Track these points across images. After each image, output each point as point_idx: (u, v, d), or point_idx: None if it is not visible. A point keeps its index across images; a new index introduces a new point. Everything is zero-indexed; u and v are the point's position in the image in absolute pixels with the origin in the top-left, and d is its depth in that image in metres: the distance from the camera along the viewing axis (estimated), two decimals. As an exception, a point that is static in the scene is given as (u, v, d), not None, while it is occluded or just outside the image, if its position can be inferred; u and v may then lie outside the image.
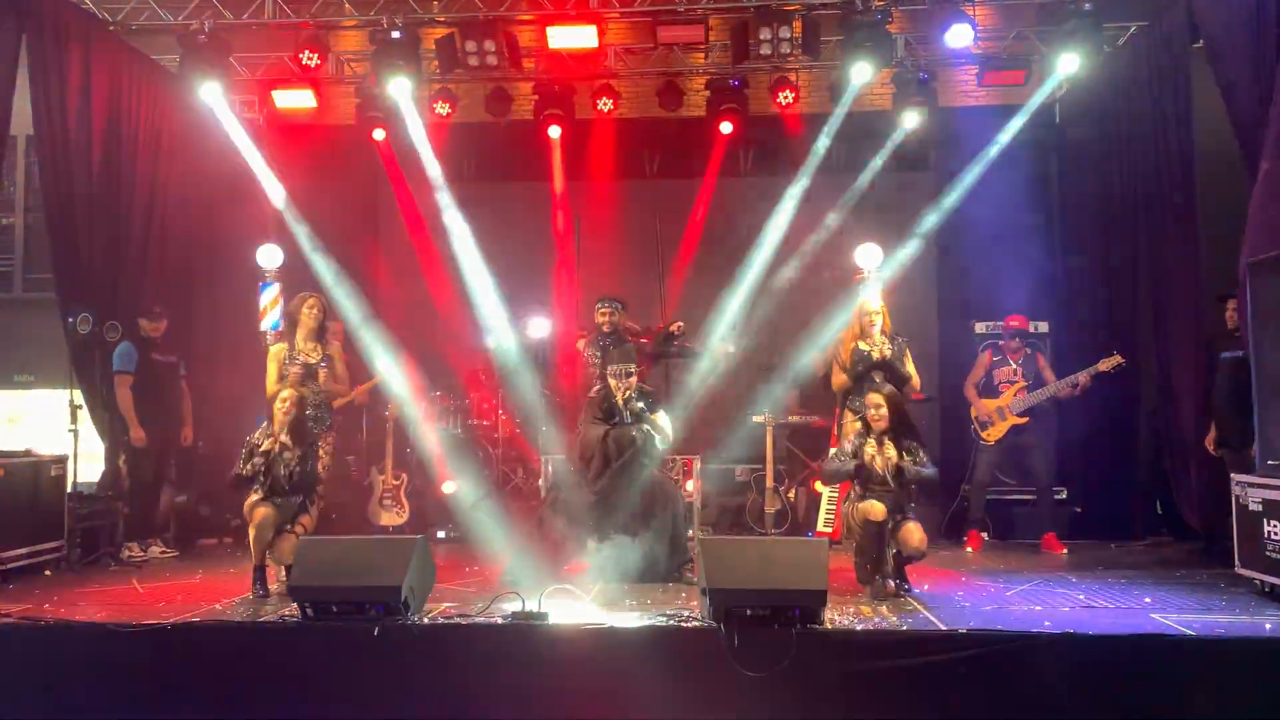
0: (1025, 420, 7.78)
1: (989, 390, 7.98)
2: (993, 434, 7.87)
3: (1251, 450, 6.02)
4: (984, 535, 7.88)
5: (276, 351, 6.98)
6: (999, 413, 7.85)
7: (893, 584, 5.76)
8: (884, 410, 5.91)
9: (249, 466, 5.96)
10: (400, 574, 4.89)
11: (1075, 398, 7.78)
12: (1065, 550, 7.47)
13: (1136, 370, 8.07)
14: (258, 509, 5.90)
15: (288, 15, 8.77)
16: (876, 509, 5.74)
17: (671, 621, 4.94)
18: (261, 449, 5.98)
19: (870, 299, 7.00)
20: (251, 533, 5.89)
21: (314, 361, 6.97)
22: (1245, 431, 6.11)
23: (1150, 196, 7.70)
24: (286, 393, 6.17)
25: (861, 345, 6.85)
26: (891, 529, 5.78)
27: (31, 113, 7.39)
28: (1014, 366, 7.92)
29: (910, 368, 6.89)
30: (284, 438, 6.04)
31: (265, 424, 6.13)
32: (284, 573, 5.92)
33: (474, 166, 10.34)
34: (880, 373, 6.64)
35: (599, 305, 7.56)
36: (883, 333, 6.88)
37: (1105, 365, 7.62)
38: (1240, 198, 6.35)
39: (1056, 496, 8.46)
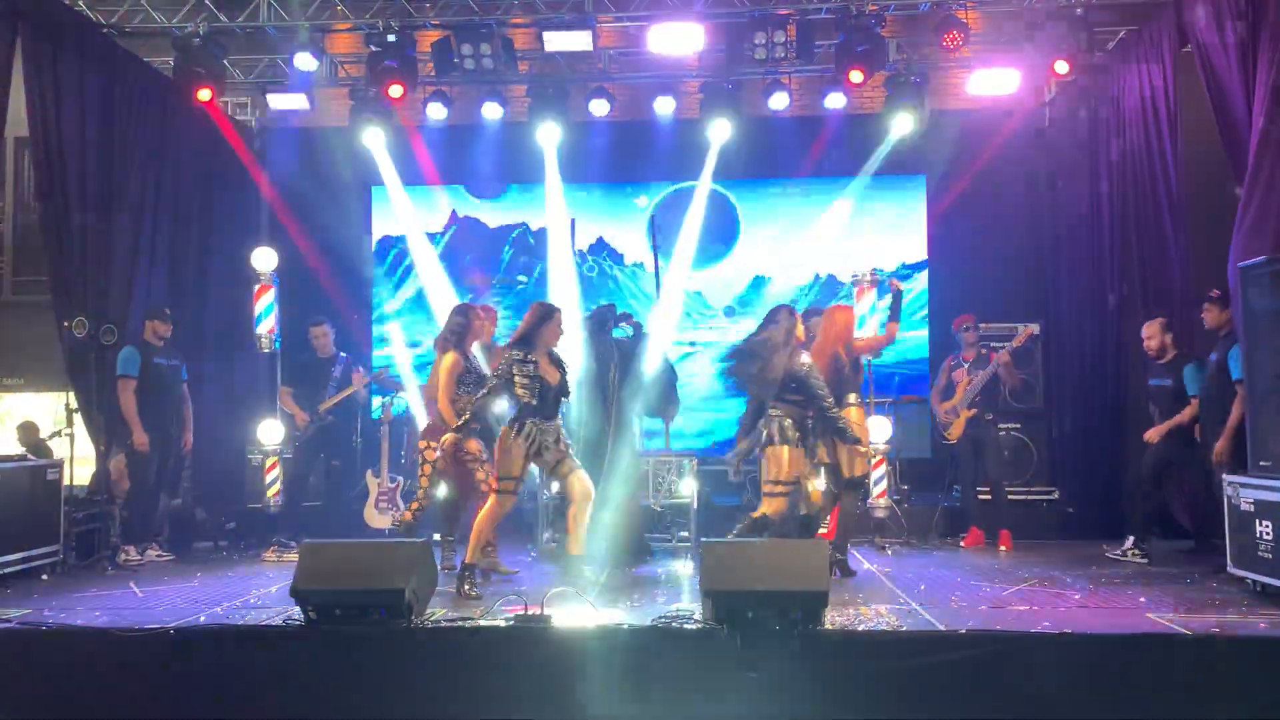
0: (974, 412, 7.87)
1: (950, 393, 8.10)
2: (953, 432, 7.99)
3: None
4: (982, 532, 7.90)
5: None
6: (953, 410, 7.99)
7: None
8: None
9: None
10: (403, 577, 4.91)
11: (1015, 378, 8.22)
12: (1009, 549, 7.58)
13: (1127, 370, 8.14)
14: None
15: (282, 18, 8.76)
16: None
17: (673, 623, 4.97)
18: None
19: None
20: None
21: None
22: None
23: (1140, 199, 7.76)
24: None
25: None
26: None
27: (26, 115, 7.36)
28: (965, 365, 8.05)
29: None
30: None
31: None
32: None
33: (469, 169, 10.33)
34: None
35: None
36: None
37: (1019, 340, 8.12)
38: (1229, 200, 6.42)
39: (1048, 497, 8.61)
